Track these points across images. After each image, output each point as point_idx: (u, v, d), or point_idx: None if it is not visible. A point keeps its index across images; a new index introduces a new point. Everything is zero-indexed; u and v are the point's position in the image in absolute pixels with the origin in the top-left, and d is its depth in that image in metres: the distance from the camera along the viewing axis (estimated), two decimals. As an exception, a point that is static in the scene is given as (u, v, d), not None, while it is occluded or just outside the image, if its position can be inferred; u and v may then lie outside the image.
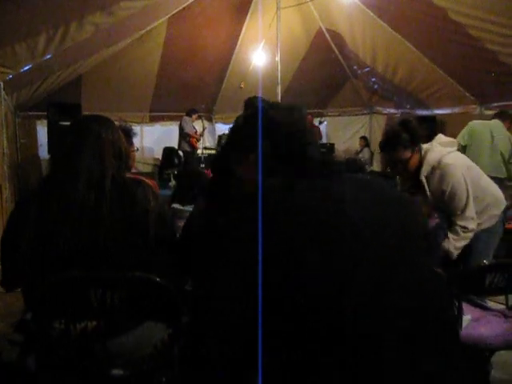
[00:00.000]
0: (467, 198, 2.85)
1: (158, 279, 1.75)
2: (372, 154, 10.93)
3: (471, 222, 2.86)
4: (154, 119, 11.47)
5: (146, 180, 2.17)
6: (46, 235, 1.82)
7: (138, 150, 2.35)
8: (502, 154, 5.78)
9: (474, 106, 8.49)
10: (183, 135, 10.42)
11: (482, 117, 8.01)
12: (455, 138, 4.75)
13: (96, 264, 1.82)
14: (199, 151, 10.79)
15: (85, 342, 1.81)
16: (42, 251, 1.82)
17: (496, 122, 5.94)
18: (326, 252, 0.94)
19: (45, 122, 8.61)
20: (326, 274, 0.92)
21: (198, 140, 10.68)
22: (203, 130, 10.93)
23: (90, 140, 1.92)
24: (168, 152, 11.38)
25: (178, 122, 10.71)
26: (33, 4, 4.69)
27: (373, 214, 1.04)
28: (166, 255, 1.97)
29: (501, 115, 6.19)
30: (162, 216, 1.99)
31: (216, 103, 11.88)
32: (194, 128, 10.63)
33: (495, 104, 8.46)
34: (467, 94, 8.23)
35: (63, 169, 1.92)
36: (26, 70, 6.01)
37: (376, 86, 10.02)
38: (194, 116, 10.49)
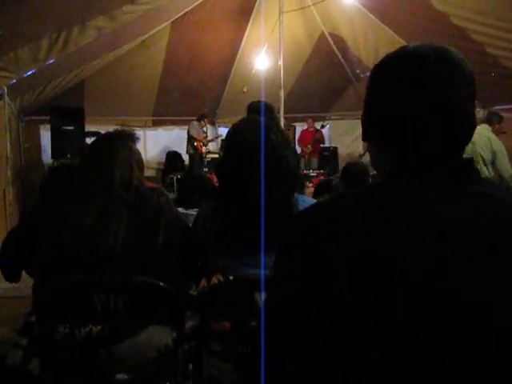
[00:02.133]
0: None
1: (161, 283, 1.75)
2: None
3: None
4: (156, 123, 11.48)
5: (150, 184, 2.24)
6: (62, 236, 1.87)
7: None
8: (481, 156, 5.76)
9: (477, 110, 8.44)
10: (188, 138, 10.51)
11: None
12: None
13: (107, 266, 1.85)
14: (203, 155, 10.84)
15: (89, 346, 1.81)
16: (57, 252, 1.87)
17: (481, 127, 5.85)
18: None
19: (48, 126, 8.63)
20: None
21: (204, 144, 10.73)
22: (214, 138, 11.08)
23: (124, 151, 2.09)
24: (171, 156, 11.39)
25: (182, 127, 10.77)
26: (35, 8, 4.71)
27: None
28: (174, 260, 2.00)
29: (488, 119, 6.19)
30: (174, 221, 2.04)
31: (219, 107, 11.90)
32: (205, 133, 10.70)
33: (498, 107, 8.46)
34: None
35: (98, 174, 2.03)
36: (29, 74, 6.04)
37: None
38: (203, 122, 10.58)
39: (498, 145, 5.85)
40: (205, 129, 10.76)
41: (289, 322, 0.91)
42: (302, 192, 2.05)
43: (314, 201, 2.05)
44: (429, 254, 0.83)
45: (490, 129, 5.95)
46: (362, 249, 0.85)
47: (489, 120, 6.13)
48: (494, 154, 5.79)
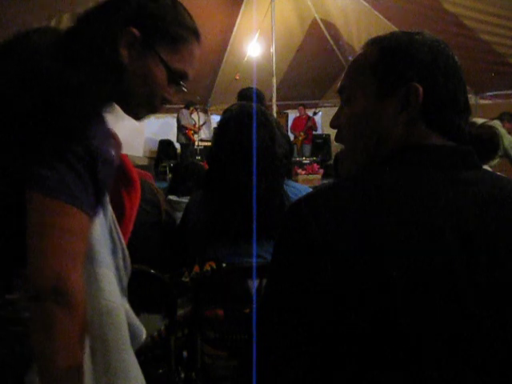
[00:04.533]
0: None
1: (152, 271, 1.75)
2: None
3: None
4: (148, 112, 11.40)
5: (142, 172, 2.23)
6: None
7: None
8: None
9: (469, 96, 8.43)
10: (179, 128, 10.47)
11: (477, 106, 8.03)
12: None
13: None
14: (196, 143, 10.81)
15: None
16: None
17: (493, 123, 5.91)
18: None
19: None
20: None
21: (195, 132, 10.70)
22: (203, 123, 10.99)
23: None
24: (164, 145, 11.37)
25: (174, 114, 10.71)
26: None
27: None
28: (167, 248, 2.01)
29: (501, 116, 6.20)
30: (168, 210, 2.06)
31: (211, 95, 11.84)
32: (194, 120, 10.66)
33: (489, 93, 8.49)
34: (463, 84, 8.16)
35: None
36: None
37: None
38: (192, 109, 10.53)
39: (508, 140, 5.91)
40: (193, 116, 10.72)
41: (285, 317, 0.89)
42: (291, 178, 2.04)
43: (305, 187, 2.05)
44: (433, 258, 0.82)
45: (501, 125, 5.99)
46: (367, 250, 0.83)
47: (501, 118, 6.16)
48: (504, 149, 5.87)
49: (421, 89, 0.94)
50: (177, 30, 1.22)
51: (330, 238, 0.85)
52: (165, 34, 1.20)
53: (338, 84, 1.10)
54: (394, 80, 0.97)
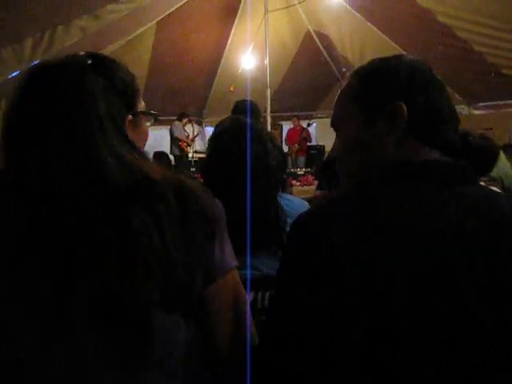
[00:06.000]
0: None
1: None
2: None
3: None
4: (143, 123, 11.40)
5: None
6: None
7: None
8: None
9: (462, 106, 8.54)
10: (173, 140, 10.45)
11: (470, 117, 8.07)
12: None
13: None
14: (190, 155, 10.79)
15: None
16: None
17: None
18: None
19: (33, 128, 8.54)
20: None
21: (188, 144, 10.69)
22: (197, 134, 10.99)
23: None
24: (158, 157, 11.35)
25: (168, 126, 10.71)
26: (18, 8, 4.66)
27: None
28: None
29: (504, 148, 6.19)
30: None
31: (206, 107, 11.87)
32: (187, 132, 10.66)
33: (482, 104, 8.54)
34: (456, 95, 8.25)
35: None
36: (14, 76, 5.97)
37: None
38: (185, 120, 10.52)
39: (503, 163, 5.92)
40: (187, 127, 10.71)
41: (290, 326, 0.90)
42: (286, 191, 2.03)
43: (299, 200, 2.04)
44: (434, 260, 0.83)
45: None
46: (369, 257, 0.84)
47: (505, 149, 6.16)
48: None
49: (404, 107, 0.96)
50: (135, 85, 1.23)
51: (335, 251, 0.86)
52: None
53: (331, 115, 1.18)
54: (376, 106, 1.01)
